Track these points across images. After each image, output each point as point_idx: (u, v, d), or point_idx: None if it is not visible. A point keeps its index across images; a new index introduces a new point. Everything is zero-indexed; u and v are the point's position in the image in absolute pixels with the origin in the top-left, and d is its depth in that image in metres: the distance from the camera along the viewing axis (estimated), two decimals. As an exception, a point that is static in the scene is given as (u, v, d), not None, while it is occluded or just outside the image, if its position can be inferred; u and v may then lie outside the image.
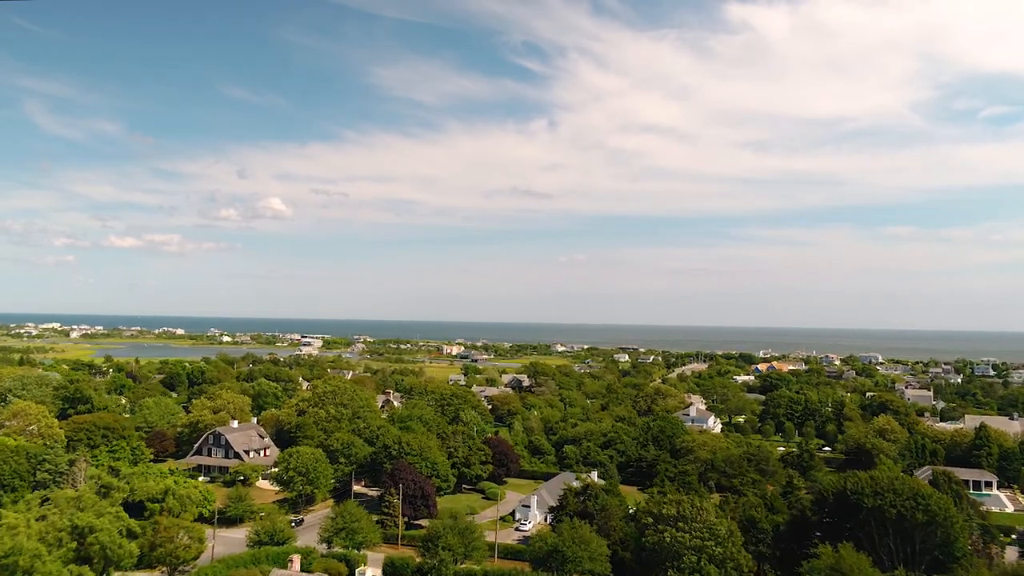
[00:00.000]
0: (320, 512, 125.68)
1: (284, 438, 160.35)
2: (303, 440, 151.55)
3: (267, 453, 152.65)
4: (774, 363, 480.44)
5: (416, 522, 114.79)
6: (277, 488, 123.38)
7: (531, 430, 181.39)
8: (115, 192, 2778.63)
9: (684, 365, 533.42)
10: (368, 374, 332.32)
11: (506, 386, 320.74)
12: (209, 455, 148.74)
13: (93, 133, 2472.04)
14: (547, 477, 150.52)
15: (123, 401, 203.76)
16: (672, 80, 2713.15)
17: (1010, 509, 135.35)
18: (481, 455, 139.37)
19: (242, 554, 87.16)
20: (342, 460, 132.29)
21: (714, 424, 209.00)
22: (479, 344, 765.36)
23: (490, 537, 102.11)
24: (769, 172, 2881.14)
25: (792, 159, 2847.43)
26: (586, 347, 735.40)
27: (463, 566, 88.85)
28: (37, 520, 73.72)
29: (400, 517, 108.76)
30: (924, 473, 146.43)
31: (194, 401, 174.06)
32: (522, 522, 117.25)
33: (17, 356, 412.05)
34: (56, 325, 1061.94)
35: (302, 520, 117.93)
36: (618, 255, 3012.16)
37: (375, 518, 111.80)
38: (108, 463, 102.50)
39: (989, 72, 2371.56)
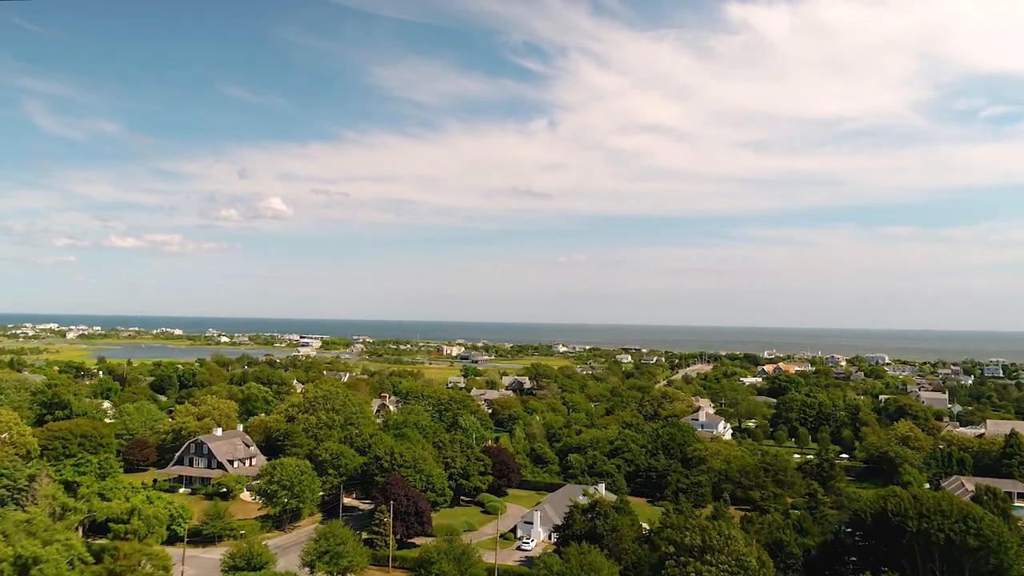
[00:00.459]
0: (306, 528, 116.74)
1: (273, 446, 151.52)
2: (291, 449, 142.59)
3: (253, 463, 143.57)
4: (780, 364, 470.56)
5: (410, 540, 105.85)
6: (260, 502, 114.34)
7: (533, 437, 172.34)
8: (115, 192, 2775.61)
9: (688, 366, 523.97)
10: (365, 376, 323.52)
11: (507, 388, 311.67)
12: (191, 465, 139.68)
13: (93, 133, 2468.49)
14: (550, 488, 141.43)
15: (105, 406, 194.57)
16: (672, 80, 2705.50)
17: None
18: (480, 465, 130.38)
19: (213, 582, 78.19)
20: (331, 472, 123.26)
21: (724, 429, 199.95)
22: (479, 345, 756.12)
23: (489, 558, 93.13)
24: (769, 172, 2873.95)
25: (792, 159, 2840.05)
26: (588, 348, 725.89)
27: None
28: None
29: (391, 536, 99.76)
30: (953, 484, 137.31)
31: (177, 407, 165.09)
32: (524, 540, 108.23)
33: (8, 358, 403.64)
34: (54, 326, 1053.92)
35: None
36: (618, 255, 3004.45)
37: (364, 535, 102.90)
38: (71, 478, 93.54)
39: (989, 72, 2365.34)
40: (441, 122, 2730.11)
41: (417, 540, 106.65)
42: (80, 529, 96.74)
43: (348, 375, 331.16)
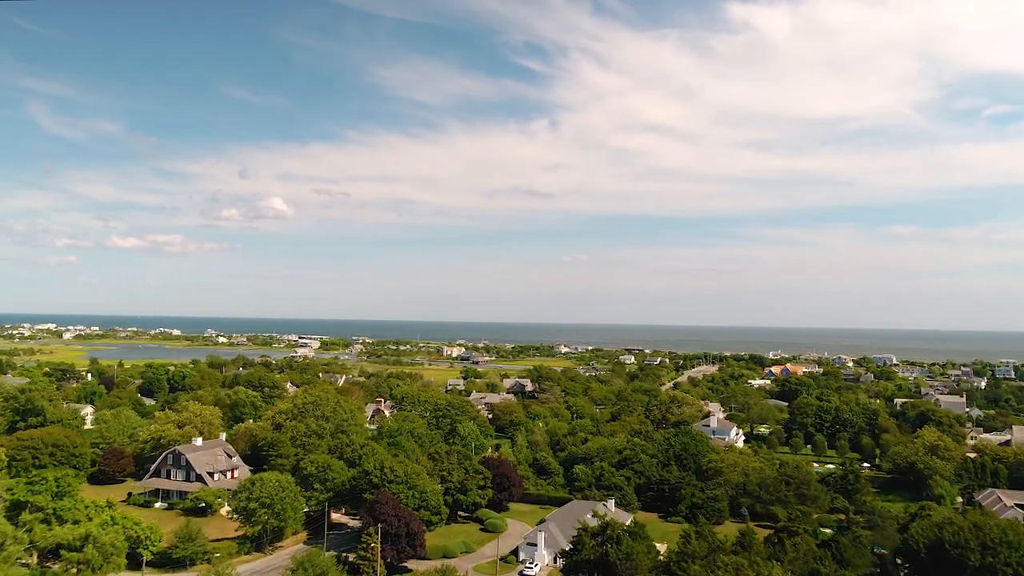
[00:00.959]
0: (289, 548, 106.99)
1: (259, 455, 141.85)
2: (276, 460, 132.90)
3: (236, 475, 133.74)
4: (788, 366, 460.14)
5: (401, 564, 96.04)
6: (239, 521, 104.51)
7: (536, 445, 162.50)
8: (117, 192, 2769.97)
9: (693, 367, 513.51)
10: (363, 378, 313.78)
11: (508, 391, 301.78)
12: (168, 477, 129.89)
13: (94, 133, 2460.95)
14: (555, 502, 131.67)
15: (87, 412, 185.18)
16: (673, 80, 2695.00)
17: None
18: (479, 479, 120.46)
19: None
20: (317, 487, 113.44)
21: (737, 436, 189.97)
22: (480, 345, 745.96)
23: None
24: (771, 172, 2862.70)
25: (794, 159, 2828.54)
26: (590, 348, 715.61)
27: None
28: None
29: (379, 562, 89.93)
30: (988, 498, 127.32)
31: (157, 414, 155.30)
32: (528, 565, 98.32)
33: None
34: (51, 326, 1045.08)
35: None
36: (620, 255, 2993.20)
37: (351, 557, 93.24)
38: (23, 497, 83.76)
39: (991, 71, 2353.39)
40: (442, 122, 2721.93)
41: (410, 564, 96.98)
42: (35, 555, 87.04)
43: (344, 378, 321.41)
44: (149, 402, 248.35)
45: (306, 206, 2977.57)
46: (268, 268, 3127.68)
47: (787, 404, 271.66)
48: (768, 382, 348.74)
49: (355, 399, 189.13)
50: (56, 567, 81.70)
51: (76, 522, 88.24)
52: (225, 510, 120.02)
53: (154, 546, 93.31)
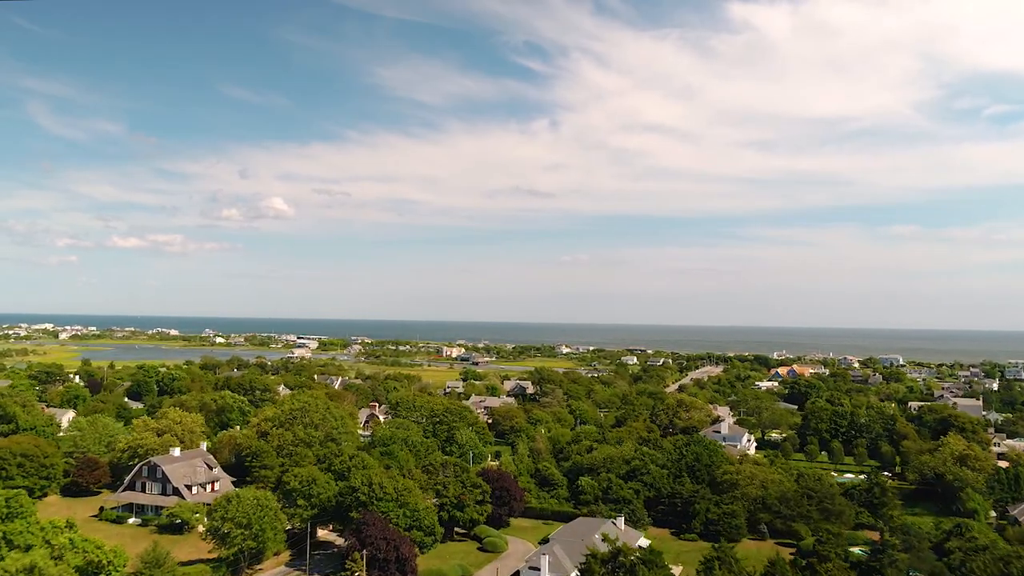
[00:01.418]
0: (269, 571, 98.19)
1: (243, 465, 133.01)
2: (259, 471, 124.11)
3: (217, 487, 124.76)
4: (794, 367, 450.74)
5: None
6: (212, 543, 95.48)
7: (538, 453, 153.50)
8: (117, 192, 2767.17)
9: (697, 368, 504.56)
10: (359, 380, 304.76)
11: (509, 394, 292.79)
12: (143, 491, 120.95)
13: (95, 133, 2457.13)
14: (559, 517, 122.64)
15: (64, 418, 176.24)
16: (674, 80, 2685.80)
17: None
18: (477, 493, 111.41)
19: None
20: (301, 503, 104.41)
21: (749, 443, 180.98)
22: (480, 345, 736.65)
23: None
24: (772, 172, 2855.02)
25: (795, 159, 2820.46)
26: (592, 349, 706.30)
27: None
28: None
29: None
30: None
31: (135, 421, 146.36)
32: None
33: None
34: (49, 326, 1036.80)
35: None
36: (620, 255, 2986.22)
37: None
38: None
39: (991, 71, 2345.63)
40: (443, 122, 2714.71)
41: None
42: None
43: (340, 379, 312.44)
44: (136, 406, 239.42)
45: (306, 206, 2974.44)
46: (268, 268, 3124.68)
47: (796, 407, 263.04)
48: (776, 384, 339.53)
49: (347, 404, 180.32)
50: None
51: (29, 547, 79.33)
52: (203, 527, 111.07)
53: (118, 572, 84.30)
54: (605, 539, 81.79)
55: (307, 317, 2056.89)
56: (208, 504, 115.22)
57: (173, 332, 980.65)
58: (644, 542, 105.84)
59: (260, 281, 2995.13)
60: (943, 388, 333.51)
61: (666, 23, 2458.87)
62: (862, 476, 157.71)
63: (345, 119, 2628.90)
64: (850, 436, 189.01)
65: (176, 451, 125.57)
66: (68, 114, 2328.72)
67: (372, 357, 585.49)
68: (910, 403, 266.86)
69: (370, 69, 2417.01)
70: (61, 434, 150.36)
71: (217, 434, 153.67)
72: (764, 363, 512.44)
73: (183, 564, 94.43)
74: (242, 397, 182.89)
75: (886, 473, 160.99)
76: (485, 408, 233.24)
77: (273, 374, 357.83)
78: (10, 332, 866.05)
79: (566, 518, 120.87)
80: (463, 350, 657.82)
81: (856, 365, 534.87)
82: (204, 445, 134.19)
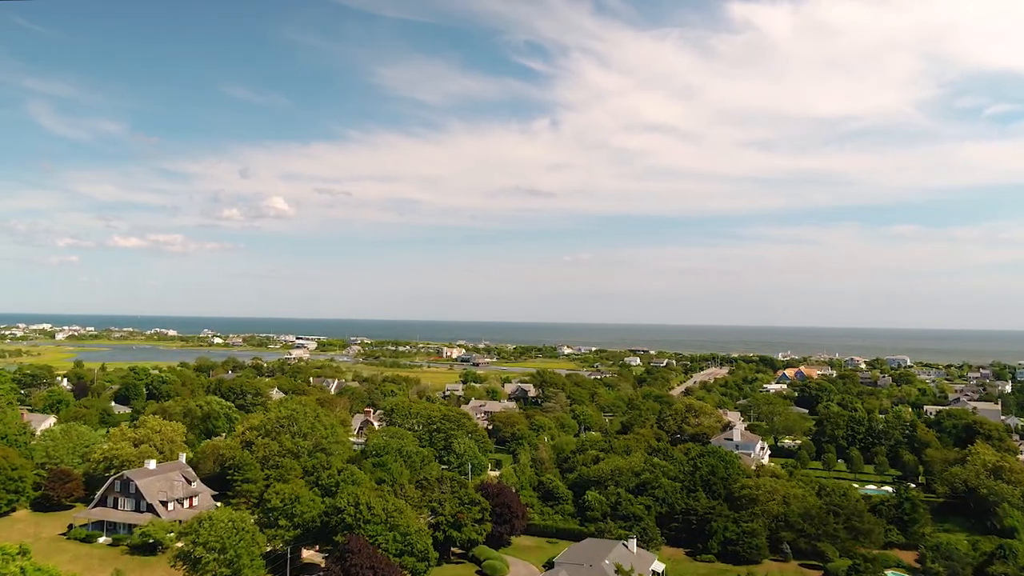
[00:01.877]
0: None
1: (226, 478, 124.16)
2: (241, 485, 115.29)
3: (195, 503, 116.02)
4: (802, 368, 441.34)
5: (379, 624, 78.25)
6: (182, 570, 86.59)
7: (541, 463, 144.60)
8: (118, 192, 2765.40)
9: (701, 370, 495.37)
10: (356, 383, 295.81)
11: (510, 397, 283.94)
12: (115, 507, 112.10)
13: (96, 133, 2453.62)
14: (564, 535, 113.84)
15: (44, 425, 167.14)
16: (675, 79, 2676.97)
17: None
18: (476, 511, 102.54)
19: None
20: (283, 523, 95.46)
21: (762, 452, 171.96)
22: (481, 346, 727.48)
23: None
24: (774, 171, 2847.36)
25: (797, 158, 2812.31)
26: (594, 349, 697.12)
27: None
28: None
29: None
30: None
31: (111, 430, 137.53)
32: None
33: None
34: (47, 326, 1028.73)
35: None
36: (622, 254, 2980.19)
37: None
38: None
39: (992, 70, 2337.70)
40: (444, 122, 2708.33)
41: (389, 624, 79.18)
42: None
43: (337, 382, 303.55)
44: (123, 410, 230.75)
45: (307, 206, 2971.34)
46: (269, 268, 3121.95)
47: (807, 411, 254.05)
48: (784, 387, 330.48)
49: (340, 410, 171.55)
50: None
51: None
52: (178, 546, 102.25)
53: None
54: (619, 570, 72.90)
55: (307, 317, 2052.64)
56: (182, 522, 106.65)
57: (171, 332, 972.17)
58: (659, 566, 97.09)
59: (260, 281, 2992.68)
60: (956, 391, 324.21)
61: (666, 23, 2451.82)
62: (885, 488, 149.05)
63: (346, 119, 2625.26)
64: (868, 443, 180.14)
65: (151, 463, 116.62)
66: (69, 114, 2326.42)
67: (371, 358, 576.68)
68: (926, 407, 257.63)
69: (371, 69, 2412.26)
70: (34, 443, 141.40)
71: (202, 443, 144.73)
72: (770, 364, 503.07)
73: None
74: (229, 403, 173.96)
75: (911, 484, 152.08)
76: (485, 413, 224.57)
77: (269, 376, 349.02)
78: (7, 332, 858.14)
79: (572, 536, 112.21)
80: (463, 351, 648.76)
81: (863, 366, 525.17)
82: (183, 457, 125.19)
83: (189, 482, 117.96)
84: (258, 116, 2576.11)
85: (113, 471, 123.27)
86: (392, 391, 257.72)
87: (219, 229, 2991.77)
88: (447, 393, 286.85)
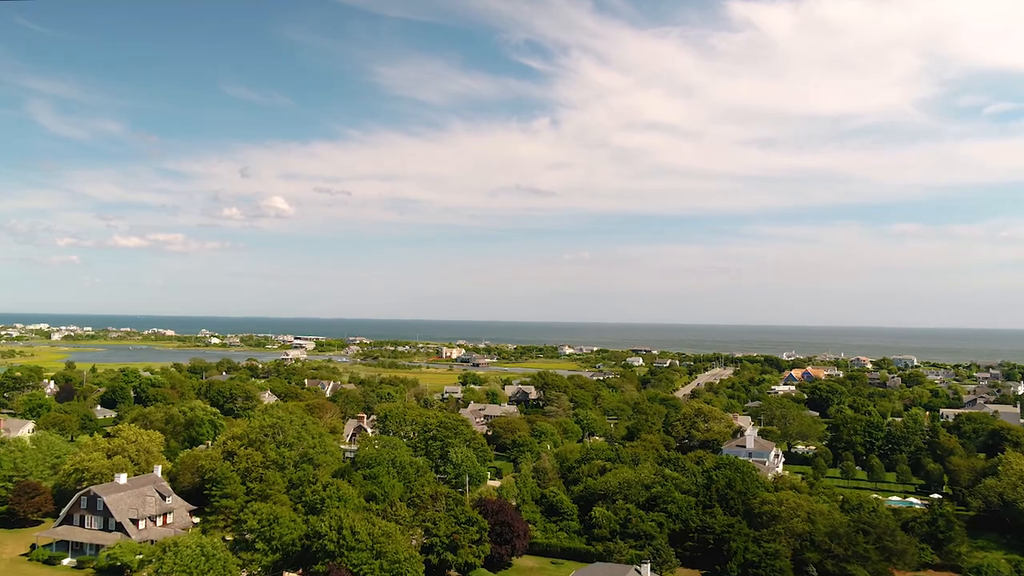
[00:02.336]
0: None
1: (205, 493, 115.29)
2: (219, 501, 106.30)
3: (169, 520, 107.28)
4: (809, 369, 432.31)
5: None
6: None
7: (544, 474, 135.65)
8: (120, 192, 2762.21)
9: (706, 370, 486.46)
10: (351, 385, 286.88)
11: (511, 399, 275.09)
12: (82, 525, 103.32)
13: (97, 133, 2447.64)
14: (570, 555, 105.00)
15: (20, 432, 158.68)
16: (676, 78, 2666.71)
17: None
18: (473, 531, 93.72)
19: None
20: (260, 546, 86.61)
21: (777, 459, 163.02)
22: (481, 346, 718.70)
23: None
24: (775, 169, 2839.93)
25: (798, 156, 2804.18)
26: (596, 349, 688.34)
27: None
28: None
29: None
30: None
31: (83, 439, 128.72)
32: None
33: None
34: (44, 326, 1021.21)
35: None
36: (623, 253, 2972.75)
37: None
38: None
39: (993, 69, 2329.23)
40: (444, 121, 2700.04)
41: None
42: None
43: (332, 384, 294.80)
44: (108, 414, 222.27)
45: (308, 205, 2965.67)
46: (269, 267, 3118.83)
47: (817, 414, 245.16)
48: (793, 388, 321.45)
49: (330, 417, 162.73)
50: None
51: None
52: (148, 572, 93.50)
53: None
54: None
55: (308, 317, 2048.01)
56: (154, 542, 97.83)
57: (169, 332, 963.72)
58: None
59: (261, 280, 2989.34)
60: (969, 392, 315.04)
61: (667, 21, 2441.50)
62: (911, 500, 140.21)
63: (347, 118, 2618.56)
64: (887, 450, 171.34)
65: (122, 478, 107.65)
66: (70, 113, 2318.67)
67: (369, 359, 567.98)
68: (942, 410, 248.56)
69: (372, 68, 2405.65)
70: (1, 452, 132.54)
71: (182, 453, 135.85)
72: (775, 365, 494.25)
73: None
74: (214, 409, 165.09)
75: (935, 495, 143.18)
76: (485, 417, 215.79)
77: (263, 378, 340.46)
78: (2, 333, 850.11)
79: (578, 556, 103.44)
80: (463, 351, 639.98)
81: (869, 366, 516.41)
82: (158, 469, 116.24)
83: (163, 497, 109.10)
84: (259, 115, 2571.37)
85: (85, 484, 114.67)
86: (389, 394, 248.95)
87: (220, 228, 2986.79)
88: (445, 396, 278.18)
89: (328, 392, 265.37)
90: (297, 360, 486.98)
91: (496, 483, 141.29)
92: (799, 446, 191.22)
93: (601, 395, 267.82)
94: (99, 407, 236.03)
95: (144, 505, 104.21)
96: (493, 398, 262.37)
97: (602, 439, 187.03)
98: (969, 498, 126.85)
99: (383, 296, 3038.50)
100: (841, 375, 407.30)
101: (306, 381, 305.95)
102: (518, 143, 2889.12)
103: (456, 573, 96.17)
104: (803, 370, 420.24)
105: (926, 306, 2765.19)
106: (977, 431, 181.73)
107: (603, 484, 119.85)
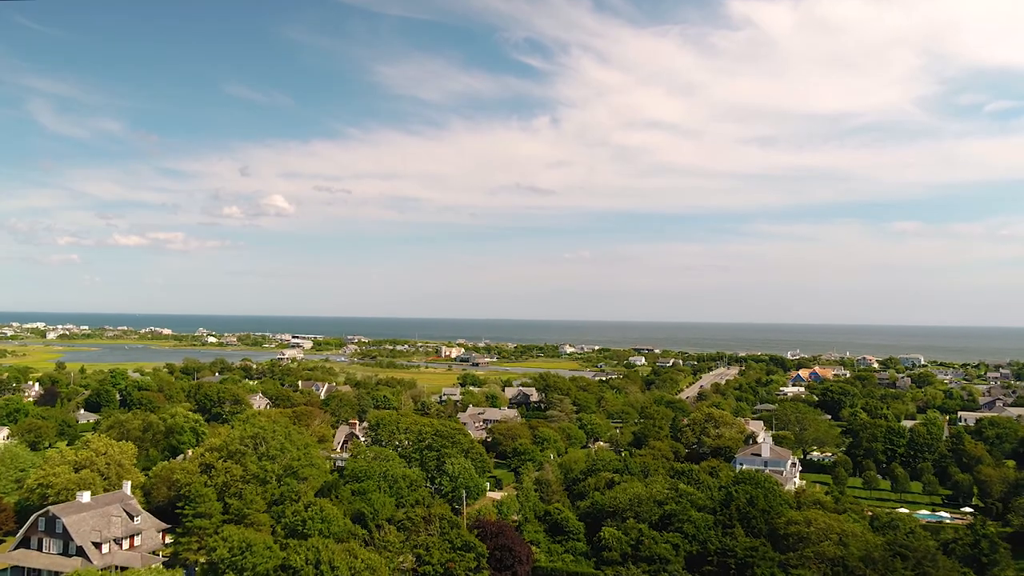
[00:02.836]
0: None
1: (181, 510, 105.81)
2: (192, 520, 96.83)
3: (137, 542, 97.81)
4: (816, 369, 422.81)
5: None
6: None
7: (547, 486, 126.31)
8: (120, 190, 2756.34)
9: (710, 370, 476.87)
10: (347, 387, 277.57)
11: (511, 402, 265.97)
12: (40, 548, 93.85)
13: (98, 132, 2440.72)
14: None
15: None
16: (676, 76, 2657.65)
17: None
18: (470, 557, 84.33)
19: None
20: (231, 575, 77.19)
21: (794, 469, 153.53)
22: (481, 345, 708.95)
23: None
24: (775, 168, 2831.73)
25: (798, 155, 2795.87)
26: (597, 348, 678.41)
27: None
28: None
29: None
30: None
31: (48, 452, 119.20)
32: None
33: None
34: (40, 325, 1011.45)
35: None
36: (624, 251, 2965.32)
37: None
38: None
39: (993, 67, 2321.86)
40: (445, 119, 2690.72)
41: None
42: None
43: (327, 386, 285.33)
44: (91, 419, 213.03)
45: (308, 204, 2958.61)
46: (269, 266, 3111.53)
47: (830, 417, 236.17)
48: (802, 389, 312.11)
49: (318, 424, 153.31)
50: None
51: None
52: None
53: None
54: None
55: (307, 315, 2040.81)
56: (120, 568, 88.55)
57: (166, 331, 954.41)
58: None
59: (261, 279, 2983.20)
60: (984, 393, 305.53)
61: (667, 20, 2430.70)
62: (940, 514, 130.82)
63: (347, 117, 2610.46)
64: (908, 458, 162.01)
65: (85, 496, 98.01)
66: (71, 112, 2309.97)
67: (367, 358, 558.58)
68: (959, 413, 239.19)
69: (373, 67, 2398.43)
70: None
71: (156, 465, 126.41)
72: (780, 364, 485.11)
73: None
74: (196, 415, 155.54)
75: (965, 509, 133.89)
76: (484, 421, 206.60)
77: (256, 379, 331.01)
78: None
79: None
80: (463, 350, 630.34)
81: (876, 366, 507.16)
82: (128, 486, 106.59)
83: (132, 517, 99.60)
84: (259, 114, 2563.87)
85: (51, 500, 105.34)
86: (385, 396, 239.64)
87: (220, 227, 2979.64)
88: (443, 398, 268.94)
89: (322, 394, 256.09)
90: (293, 360, 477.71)
91: (496, 495, 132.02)
92: (815, 453, 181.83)
93: (605, 397, 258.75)
94: (83, 411, 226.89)
95: (109, 526, 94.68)
96: (493, 401, 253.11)
97: (607, 445, 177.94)
98: (1009, 515, 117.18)
99: (383, 294, 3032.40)
100: (848, 375, 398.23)
101: (300, 383, 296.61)
102: (518, 142, 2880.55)
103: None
104: (810, 370, 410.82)
105: (926, 304, 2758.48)
106: (1001, 437, 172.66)
107: (612, 500, 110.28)
